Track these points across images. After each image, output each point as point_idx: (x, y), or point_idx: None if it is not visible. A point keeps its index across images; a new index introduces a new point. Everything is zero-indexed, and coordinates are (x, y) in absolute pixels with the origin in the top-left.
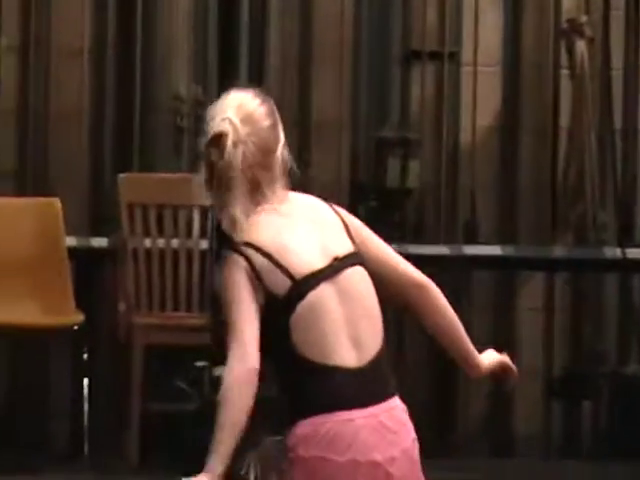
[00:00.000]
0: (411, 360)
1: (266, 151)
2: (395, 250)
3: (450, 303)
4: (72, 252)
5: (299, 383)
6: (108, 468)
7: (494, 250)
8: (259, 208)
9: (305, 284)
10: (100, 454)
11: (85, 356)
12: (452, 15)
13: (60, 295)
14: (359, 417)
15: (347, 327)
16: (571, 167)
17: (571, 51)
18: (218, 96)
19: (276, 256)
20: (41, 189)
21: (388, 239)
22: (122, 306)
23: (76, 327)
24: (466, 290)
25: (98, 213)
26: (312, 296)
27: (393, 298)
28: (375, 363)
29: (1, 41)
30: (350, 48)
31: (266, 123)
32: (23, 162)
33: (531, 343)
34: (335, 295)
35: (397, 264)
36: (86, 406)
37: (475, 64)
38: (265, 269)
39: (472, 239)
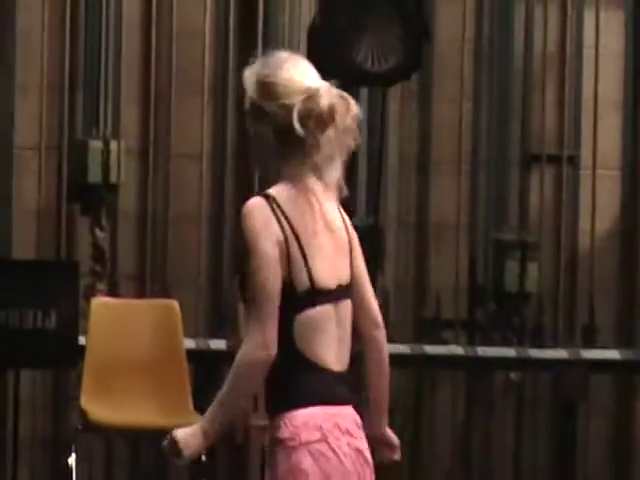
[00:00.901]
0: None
1: (348, 135)
2: (514, 354)
3: (568, 407)
4: (190, 354)
5: (296, 376)
6: None
7: (612, 354)
8: (308, 187)
9: (318, 295)
10: None
11: (202, 458)
12: (571, 118)
13: (178, 397)
14: (344, 412)
15: (335, 344)
16: None
17: None
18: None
19: (307, 252)
20: (160, 291)
21: (506, 343)
22: None
23: None
24: (584, 394)
25: (217, 314)
26: (317, 310)
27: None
28: (347, 374)
29: (120, 144)
30: (469, 150)
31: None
32: (143, 264)
33: None
34: (334, 317)
35: (365, 294)
36: None
37: (594, 167)
38: (296, 260)
39: (590, 343)
